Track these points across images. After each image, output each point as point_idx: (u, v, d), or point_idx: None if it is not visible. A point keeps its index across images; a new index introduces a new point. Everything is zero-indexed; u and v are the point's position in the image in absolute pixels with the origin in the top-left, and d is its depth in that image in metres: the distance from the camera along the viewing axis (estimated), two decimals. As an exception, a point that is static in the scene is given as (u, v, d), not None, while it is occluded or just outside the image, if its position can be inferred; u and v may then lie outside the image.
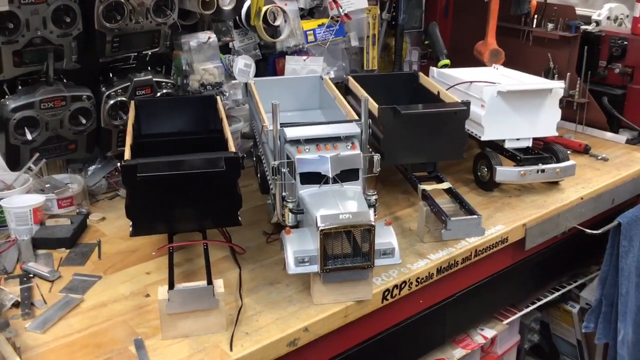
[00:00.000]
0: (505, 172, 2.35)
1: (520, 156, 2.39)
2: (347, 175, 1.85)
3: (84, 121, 2.32)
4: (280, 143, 1.88)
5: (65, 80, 2.32)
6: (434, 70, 2.84)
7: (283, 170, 1.86)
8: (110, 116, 2.37)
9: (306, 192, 1.83)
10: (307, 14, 2.86)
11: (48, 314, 1.72)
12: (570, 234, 2.46)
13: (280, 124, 1.92)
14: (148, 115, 2.32)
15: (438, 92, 2.44)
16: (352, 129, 1.90)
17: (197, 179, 1.69)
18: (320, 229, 1.65)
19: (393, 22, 3.19)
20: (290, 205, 1.82)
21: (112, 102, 2.37)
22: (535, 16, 3.10)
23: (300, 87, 2.62)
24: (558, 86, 2.39)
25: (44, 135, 2.26)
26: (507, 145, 2.46)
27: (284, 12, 2.63)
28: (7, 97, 2.19)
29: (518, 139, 2.46)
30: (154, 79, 2.44)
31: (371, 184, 1.94)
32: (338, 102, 2.32)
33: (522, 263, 2.35)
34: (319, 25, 2.83)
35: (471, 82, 2.51)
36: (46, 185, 2.31)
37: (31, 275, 1.89)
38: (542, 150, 2.49)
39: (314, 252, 1.69)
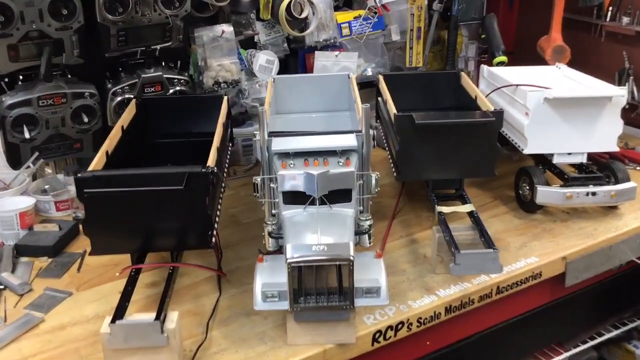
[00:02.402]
0: (549, 193, 2.01)
1: (568, 175, 2.04)
2: (338, 196, 1.60)
3: (86, 119, 2.18)
4: (268, 155, 1.66)
5: (69, 76, 2.19)
6: (484, 68, 2.51)
7: (272, 186, 1.64)
8: (117, 114, 2.22)
9: (289, 213, 1.60)
10: (343, 4, 2.60)
11: (2, 334, 1.59)
12: (630, 267, 2.09)
13: (271, 132, 1.69)
14: (154, 115, 2.15)
15: (475, 97, 2.13)
16: (348, 141, 1.64)
17: (154, 196, 1.49)
18: (289, 261, 1.42)
19: (448, 13, 2.87)
20: (269, 228, 1.60)
21: (118, 99, 2.22)
22: (610, 8, 2.68)
23: (327, 86, 2.37)
24: (618, 94, 2.01)
25: (44, 134, 2.14)
26: (556, 160, 2.11)
27: (311, 3, 2.38)
28: (5, 93, 2.09)
29: (569, 154, 2.10)
30: (164, 76, 2.27)
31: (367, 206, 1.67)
32: (357, 106, 2.05)
33: (564, 300, 2.01)
34: (355, 18, 2.56)
35: (517, 85, 2.16)
36: (46, 186, 2.19)
37: (2, 287, 1.77)
38: (599, 168, 2.12)
39: (285, 286, 1.46)
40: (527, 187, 2.09)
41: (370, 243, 1.62)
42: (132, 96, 2.22)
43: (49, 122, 2.13)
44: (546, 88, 2.10)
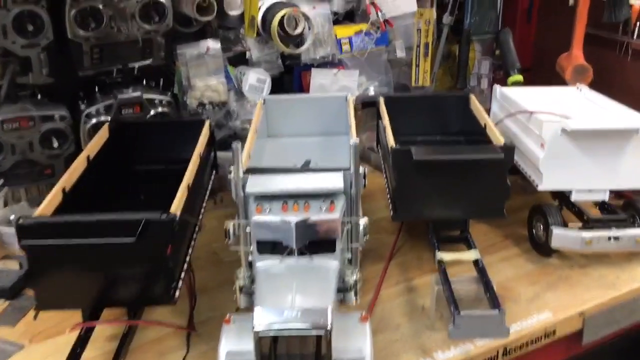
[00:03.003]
0: (565, 236, 1.78)
1: (589, 215, 1.81)
2: (320, 245, 1.39)
3: (56, 144, 1.99)
4: (243, 195, 1.45)
5: (39, 97, 2.00)
6: (497, 89, 2.29)
7: (248, 231, 1.43)
8: (91, 138, 2.02)
9: (263, 265, 1.40)
10: (342, 18, 2.39)
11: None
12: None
13: (248, 169, 1.49)
14: (129, 140, 1.95)
15: (485, 125, 1.91)
16: (333, 183, 1.43)
17: (103, 248, 1.29)
18: (255, 330, 1.21)
19: (459, 27, 2.65)
20: (240, 282, 1.39)
21: (92, 122, 2.03)
22: (637, 24, 2.44)
23: (323, 107, 2.16)
24: (650, 125, 1.78)
25: (10, 160, 1.95)
26: (575, 197, 1.88)
27: (306, 17, 2.17)
28: (-33, 116, 1.91)
29: (590, 191, 1.87)
30: (144, 96, 2.07)
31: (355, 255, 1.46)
32: (351, 134, 1.84)
33: (580, 359, 1.78)
34: (356, 33, 2.35)
35: (531, 112, 1.94)
36: (11, 217, 2.00)
37: (-53, 337, 1.58)
38: (622, 206, 1.89)
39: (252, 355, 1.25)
40: (542, 228, 1.86)
41: (356, 301, 1.41)
42: (107, 119, 2.02)
43: (15, 147, 1.94)
44: (564, 117, 1.88)
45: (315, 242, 1.39)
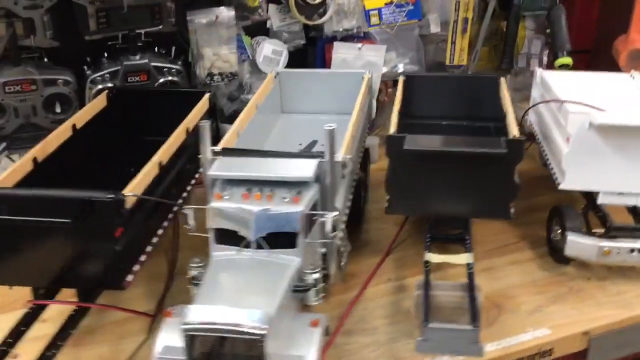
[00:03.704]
0: (581, 244, 1.58)
1: (612, 222, 1.60)
2: (282, 239, 1.28)
3: (59, 109, 1.95)
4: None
5: (46, 60, 1.96)
6: (538, 72, 2.07)
7: None
8: (96, 105, 1.97)
9: (219, 255, 1.30)
10: (374, -13, 2.22)
11: None
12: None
13: (225, 149, 1.40)
14: (129, 110, 1.89)
15: (506, 114, 1.72)
16: (302, 172, 1.31)
17: (39, 227, 1.22)
18: (183, 326, 1.12)
19: (508, 2, 2.42)
20: (192, 272, 1.29)
21: (98, 87, 1.97)
22: None
23: (340, 84, 2.01)
24: (689, 124, 1.54)
25: (13, 123, 1.93)
26: (602, 200, 1.66)
27: (326, -15, 2.02)
28: (-30, 78, 1.89)
29: (620, 194, 1.66)
30: (152, 64, 2.00)
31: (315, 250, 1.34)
32: (354, 113, 1.71)
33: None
34: (387, 4, 2.18)
35: (561, 101, 1.73)
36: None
37: None
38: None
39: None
40: (559, 232, 1.66)
41: (317, 301, 1.29)
42: (118, 85, 1.97)
43: (17, 110, 1.91)
44: (597, 109, 1.66)
45: (276, 235, 1.27)
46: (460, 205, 1.54)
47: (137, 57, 1.99)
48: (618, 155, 1.61)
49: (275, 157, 1.38)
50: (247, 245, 1.28)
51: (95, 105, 1.80)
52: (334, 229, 1.31)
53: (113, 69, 1.98)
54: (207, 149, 1.36)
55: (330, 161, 1.33)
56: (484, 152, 1.43)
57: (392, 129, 1.58)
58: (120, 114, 1.86)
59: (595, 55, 2.61)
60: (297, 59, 2.25)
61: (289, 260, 1.27)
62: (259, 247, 1.28)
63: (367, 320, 1.50)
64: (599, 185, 1.65)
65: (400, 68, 2.26)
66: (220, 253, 1.29)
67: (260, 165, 1.35)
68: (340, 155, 1.38)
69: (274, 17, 2.14)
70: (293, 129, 2.02)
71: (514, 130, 1.55)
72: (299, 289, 1.25)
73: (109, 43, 2.01)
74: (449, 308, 1.39)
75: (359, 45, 2.17)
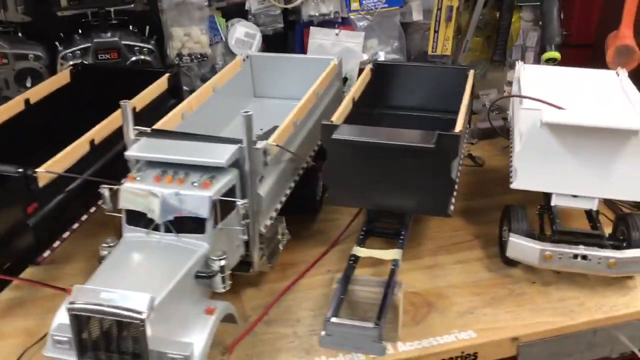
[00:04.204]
0: (522, 247, 1.52)
1: (557, 226, 1.53)
2: (190, 224, 1.26)
3: (29, 84, 1.98)
4: (135, 159, 1.36)
5: (20, 35, 2.00)
6: (518, 66, 1.99)
7: None
8: (67, 81, 1.99)
9: (129, 237, 1.30)
10: (354, -28, 2.17)
11: None
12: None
13: (154, 130, 1.39)
14: (92, 86, 1.90)
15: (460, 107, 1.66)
16: (215, 156, 1.29)
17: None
18: (67, 305, 1.12)
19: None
20: (102, 252, 1.30)
21: (69, 64, 1.99)
22: None
23: (312, 70, 1.98)
24: (646, 126, 1.45)
25: (-14, 94, 1.97)
26: (555, 202, 1.59)
27: (300, -32, 1.99)
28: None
29: (574, 197, 1.58)
30: (122, 42, 2.00)
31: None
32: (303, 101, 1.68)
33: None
34: (367, -11, 2.13)
35: (522, 97, 1.66)
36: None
37: None
38: (616, 223, 1.59)
39: (78, 333, 1.17)
40: (507, 232, 1.60)
41: (224, 288, 1.27)
42: (85, 62, 1.98)
43: (-10, 82, 1.95)
44: (556, 106, 1.59)
45: (187, 219, 1.26)
46: (397, 200, 1.49)
47: (108, 34, 2.00)
48: (572, 156, 1.54)
49: (197, 141, 1.37)
50: (157, 228, 1.27)
51: (56, 81, 1.82)
52: (245, 216, 1.29)
53: (84, 46, 1.99)
54: (129, 129, 1.36)
55: (248, 148, 1.31)
56: (412, 146, 1.38)
57: (335, 116, 1.54)
58: (83, 91, 1.87)
59: (597, 50, 2.49)
60: (277, 42, 2.23)
61: (196, 246, 1.26)
62: (168, 230, 1.27)
63: (292, 311, 1.47)
64: (552, 186, 1.58)
65: (382, 56, 2.21)
66: (131, 234, 1.29)
67: (179, 148, 1.34)
68: (263, 142, 1.36)
69: (252, 0, 2.12)
70: (262, 114, 1.99)
71: (459, 126, 1.50)
72: (201, 275, 1.23)
73: (83, 20, 2.03)
74: (366, 304, 1.35)
75: (336, 31, 2.13)
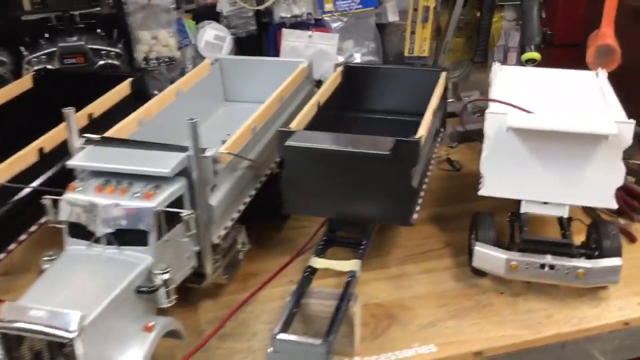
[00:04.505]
0: (488, 256, 1.46)
1: (525, 235, 1.47)
2: (132, 236, 1.22)
3: (-7, 90, 1.93)
4: (83, 168, 1.31)
5: (-16, 39, 1.96)
6: (495, 67, 1.92)
7: None
8: (34, 86, 1.95)
9: (71, 250, 1.25)
10: (328, -28, 2.11)
11: None
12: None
13: (104, 137, 1.35)
14: (54, 92, 1.85)
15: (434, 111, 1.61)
16: (160, 165, 1.24)
17: None
18: (-5, 324, 1.08)
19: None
20: (44, 266, 1.25)
21: (34, 69, 1.95)
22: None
23: (281, 73, 1.92)
24: (613, 131, 1.38)
25: (-53, 102, 1.93)
26: (524, 209, 1.54)
27: (270, -31, 1.94)
28: None
29: (544, 204, 1.52)
30: (89, 46, 1.96)
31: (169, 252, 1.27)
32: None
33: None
34: (340, -10, 2.07)
35: (490, 100, 1.60)
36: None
37: None
38: (589, 230, 1.53)
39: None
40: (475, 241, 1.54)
41: (168, 302, 1.22)
42: (50, 67, 1.94)
43: (-50, 89, 1.91)
44: (524, 110, 1.53)
45: (130, 231, 1.21)
46: (356, 209, 1.44)
47: (74, 38, 1.96)
48: (541, 162, 1.48)
49: (146, 149, 1.32)
50: (98, 241, 1.22)
51: (18, 86, 1.78)
52: (188, 228, 1.24)
53: (49, 50, 1.95)
54: (73, 137, 1.31)
55: (195, 156, 1.26)
56: (366, 153, 1.32)
57: (295, 122, 1.49)
58: (46, 96, 1.83)
59: (583, 49, 2.42)
60: (252, 45, 2.18)
61: (139, 259, 1.21)
62: (110, 243, 1.22)
63: (249, 325, 1.42)
64: (521, 193, 1.53)
65: (357, 58, 2.15)
66: (73, 247, 1.24)
67: (125, 157, 1.29)
68: (212, 150, 1.31)
69: (223, 2, 2.07)
70: (233, 118, 1.96)
71: (421, 131, 1.44)
72: (143, 290, 1.18)
73: (49, 24, 1.98)
74: (321, 318, 1.29)
75: (309, 32, 2.08)
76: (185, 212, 1.23)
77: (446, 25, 2.28)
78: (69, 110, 1.29)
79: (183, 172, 1.29)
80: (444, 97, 1.83)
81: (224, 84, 2.03)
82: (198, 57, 2.07)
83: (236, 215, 1.48)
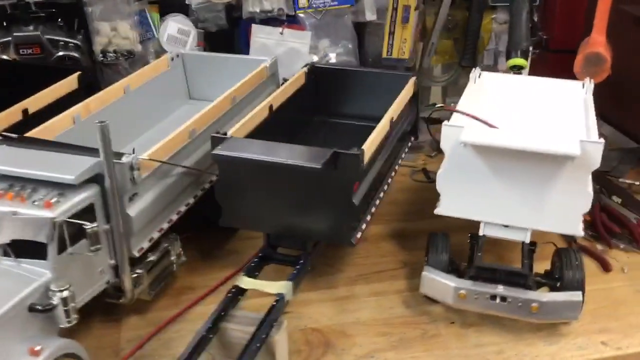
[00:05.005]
0: (436, 283, 1.33)
1: (477, 260, 1.34)
2: (31, 248, 1.11)
3: (-56, 80, 1.85)
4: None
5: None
6: (473, 73, 1.78)
7: None
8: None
9: (-31, 260, 1.15)
10: (301, -34, 1.99)
11: None
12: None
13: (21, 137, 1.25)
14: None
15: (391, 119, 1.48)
16: (71, 169, 1.14)
17: None
18: None
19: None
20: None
21: (-13, 59, 1.86)
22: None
23: (245, 72, 1.81)
24: (575, 152, 1.24)
25: None
26: (485, 232, 1.40)
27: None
28: None
29: (505, 227, 1.39)
30: (46, 36, 1.86)
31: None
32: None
33: None
34: (315, -15, 1.95)
35: (453, 111, 1.46)
36: None
37: None
38: (553, 259, 1.40)
39: None
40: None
41: (68, 322, 1.12)
42: (5, 57, 1.85)
43: None
44: (487, 124, 1.40)
45: (27, 242, 1.11)
46: (294, 225, 1.32)
47: (30, 28, 1.86)
48: (501, 182, 1.35)
49: (59, 151, 1.21)
50: (-4, 251, 1.12)
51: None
52: (93, 242, 1.13)
53: (3, 40, 1.86)
54: (-17, 136, 1.22)
55: (106, 162, 1.15)
56: (295, 165, 1.20)
57: (236, 127, 1.37)
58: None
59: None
60: (222, 41, 2.07)
61: (36, 274, 1.10)
62: (6, 254, 1.12)
63: (171, 346, 1.31)
64: (480, 214, 1.39)
65: (333, 58, 2.02)
66: (-29, 257, 1.14)
67: (33, 160, 1.19)
68: (130, 157, 1.20)
69: (191, -6, 1.96)
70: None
71: (368, 142, 1.32)
72: (36, 309, 1.07)
73: (6, 12, 1.89)
74: (240, 345, 1.18)
75: (279, 29, 1.95)
76: (89, 225, 1.12)
77: (432, 25, 2.15)
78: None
79: (96, 179, 1.18)
80: (411, 103, 1.69)
81: (187, 80, 1.92)
82: (163, 52, 1.95)
83: (166, 225, 1.37)
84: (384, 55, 2.03)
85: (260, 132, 1.45)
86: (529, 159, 1.30)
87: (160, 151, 1.30)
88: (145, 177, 1.26)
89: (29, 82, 1.70)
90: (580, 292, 1.28)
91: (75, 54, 1.90)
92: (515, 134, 1.32)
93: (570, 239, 1.62)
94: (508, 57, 1.97)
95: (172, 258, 1.42)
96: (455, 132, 1.33)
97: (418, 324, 1.38)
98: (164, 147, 1.32)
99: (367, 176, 1.36)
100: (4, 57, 1.87)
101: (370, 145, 1.32)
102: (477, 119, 1.41)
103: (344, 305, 1.43)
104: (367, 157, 1.30)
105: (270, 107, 1.54)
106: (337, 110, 1.82)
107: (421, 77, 2.19)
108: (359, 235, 1.33)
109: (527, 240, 1.38)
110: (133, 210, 1.24)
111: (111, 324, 1.37)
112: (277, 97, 1.58)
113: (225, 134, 1.32)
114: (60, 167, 1.16)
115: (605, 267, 1.54)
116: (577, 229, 1.34)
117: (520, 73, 1.94)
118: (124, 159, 1.19)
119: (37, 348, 1.05)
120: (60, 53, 1.89)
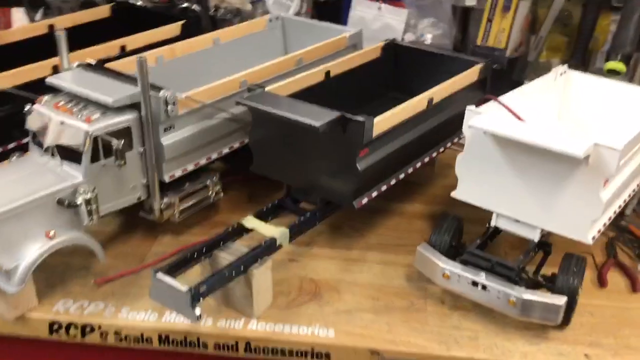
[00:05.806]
0: (426, 259, 1.37)
1: (470, 247, 1.35)
2: (72, 154, 1.34)
3: None
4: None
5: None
6: (559, 69, 1.74)
7: None
8: None
9: (30, 154, 1.41)
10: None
11: None
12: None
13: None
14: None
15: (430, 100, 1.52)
16: (106, 95, 1.34)
17: None
18: None
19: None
20: (3, 164, 1.43)
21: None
22: None
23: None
24: (578, 153, 1.20)
25: None
26: (495, 222, 1.41)
27: None
28: None
29: (517, 222, 1.38)
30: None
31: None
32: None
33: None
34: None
35: (490, 98, 1.46)
36: None
37: None
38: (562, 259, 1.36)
39: None
40: (431, 242, 1.45)
41: (90, 221, 1.33)
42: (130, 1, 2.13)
43: None
44: (517, 117, 1.39)
45: (69, 148, 1.34)
46: (309, 180, 1.42)
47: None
48: (517, 176, 1.34)
49: (120, 81, 1.41)
50: (47, 151, 1.36)
51: (95, 13, 1.97)
52: (118, 157, 1.32)
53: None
54: (63, 59, 1.45)
55: (143, 93, 1.33)
56: (300, 122, 1.29)
57: (275, 84, 1.49)
58: (118, 27, 2.00)
59: None
60: (332, 11, 2.18)
61: (71, 176, 1.32)
62: (54, 155, 1.35)
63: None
64: (494, 204, 1.39)
65: (429, 39, 2.06)
66: (31, 153, 1.40)
67: (92, 83, 1.40)
68: (167, 92, 1.37)
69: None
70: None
71: (385, 115, 1.38)
72: (62, 202, 1.29)
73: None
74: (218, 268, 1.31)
75: (378, 4, 2.03)
76: (115, 142, 1.31)
77: (543, 19, 2.08)
78: (60, 34, 1.43)
79: (138, 107, 1.37)
80: (477, 90, 1.69)
81: (285, 43, 2.06)
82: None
83: (204, 161, 1.53)
84: (479, 42, 2.02)
85: (313, 96, 1.54)
86: (544, 156, 1.28)
87: (204, 93, 1.46)
88: (184, 114, 1.43)
89: (145, 26, 1.96)
90: (564, 297, 1.24)
91: (196, 7, 2.12)
92: (533, 129, 1.30)
93: (610, 253, 1.55)
94: (607, 59, 1.88)
95: (210, 193, 1.59)
96: (479, 120, 1.33)
97: (408, 296, 1.42)
98: (209, 91, 1.47)
99: (385, 147, 1.41)
100: (139, 2, 2.14)
101: (388, 118, 1.37)
102: (508, 109, 1.40)
103: (349, 266, 1.51)
104: (381, 128, 1.36)
105: (328, 72, 1.63)
106: (412, 88, 1.85)
107: (525, 70, 2.15)
108: (364, 200, 1.40)
109: (536, 239, 1.36)
110: (167, 139, 1.42)
111: (148, 238, 1.57)
112: (338, 64, 1.67)
113: (263, 87, 1.44)
114: (109, 92, 1.36)
115: (635, 286, 1.46)
116: (586, 236, 1.29)
117: (616, 78, 1.84)
118: (160, 94, 1.36)
119: (52, 233, 1.27)
120: (185, 5, 2.13)
